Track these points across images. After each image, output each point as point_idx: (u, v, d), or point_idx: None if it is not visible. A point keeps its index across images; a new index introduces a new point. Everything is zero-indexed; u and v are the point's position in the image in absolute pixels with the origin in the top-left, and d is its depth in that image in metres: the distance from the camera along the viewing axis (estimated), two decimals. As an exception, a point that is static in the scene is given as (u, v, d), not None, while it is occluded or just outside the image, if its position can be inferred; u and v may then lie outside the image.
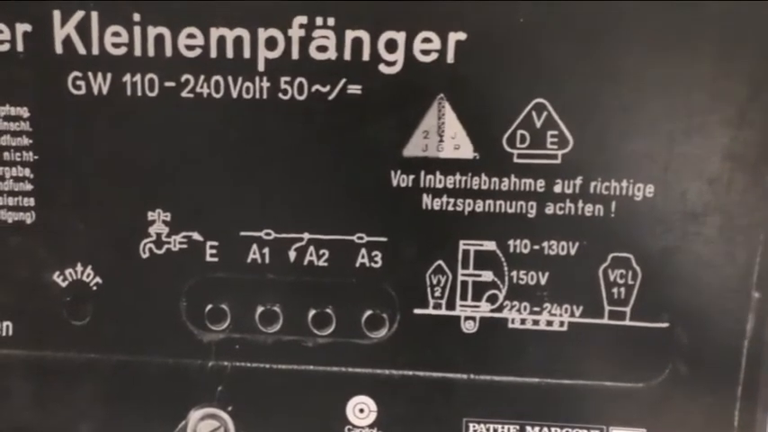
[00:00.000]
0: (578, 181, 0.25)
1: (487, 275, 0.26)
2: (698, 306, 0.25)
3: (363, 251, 0.26)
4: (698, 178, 0.24)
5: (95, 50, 0.25)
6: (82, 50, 0.25)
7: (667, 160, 0.24)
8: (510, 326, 0.26)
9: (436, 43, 0.24)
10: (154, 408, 0.27)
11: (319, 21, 0.24)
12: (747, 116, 0.24)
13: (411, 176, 0.25)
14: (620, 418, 0.26)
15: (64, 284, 0.27)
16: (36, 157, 0.26)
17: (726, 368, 0.25)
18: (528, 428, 0.26)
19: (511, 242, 0.25)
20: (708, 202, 0.24)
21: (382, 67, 0.24)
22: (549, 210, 0.25)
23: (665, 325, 0.25)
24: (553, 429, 0.26)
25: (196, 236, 0.26)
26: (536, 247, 0.25)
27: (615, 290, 0.25)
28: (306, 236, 0.26)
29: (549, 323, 0.26)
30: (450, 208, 0.25)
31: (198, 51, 0.25)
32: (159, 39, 0.25)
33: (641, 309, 0.25)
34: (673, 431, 0.26)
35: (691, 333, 0.25)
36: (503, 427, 0.26)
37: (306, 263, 0.26)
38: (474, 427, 0.26)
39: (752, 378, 0.25)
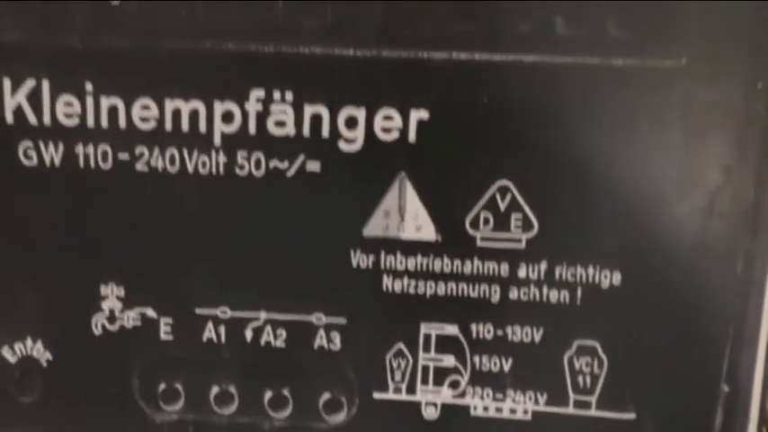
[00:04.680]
0: (543, 266, 0.24)
1: (449, 360, 0.25)
2: (665, 397, 0.24)
3: (322, 332, 0.25)
4: (665, 265, 0.23)
5: (47, 120, 0.24)
6: (33, 120, 0.24)
7: (634, 246, 0.23)
8: (473, 413, 0.25)
9: (397, 121, 0.23)
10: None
11: (277, 95, 0.23)
12: (716, 206, 0.23)
13: (371, 257, 0.24)
14: None
15: (13, 360, 0.26)
16: (-14, 229, 0.25)
17: (695, 463, 0.24)
18: None
19: (473, 326, 0.24)
20: (677, 290, 0.24)
21: (342, 145, 0.24)
22: (513, 294, 0.24)
23: (631, 416, 0.24)
24: None
25: (150, 312, 0.25)
26: (499, 332, 0.24)
27: (581, 378, 0.24)
28: (263, 315, 0.25)
29: (513, 411, 0.25)
30: (412, 290, 0.24)
31: (152, 124, 0.24)
32: (113, 110, 0.24)
33: (607, 398, 0.24)
34: None
35: (657, 426, 0.24)
36: None
37: (263, 343, 0.25)
38: None
39: (721, 475, 0.24)
